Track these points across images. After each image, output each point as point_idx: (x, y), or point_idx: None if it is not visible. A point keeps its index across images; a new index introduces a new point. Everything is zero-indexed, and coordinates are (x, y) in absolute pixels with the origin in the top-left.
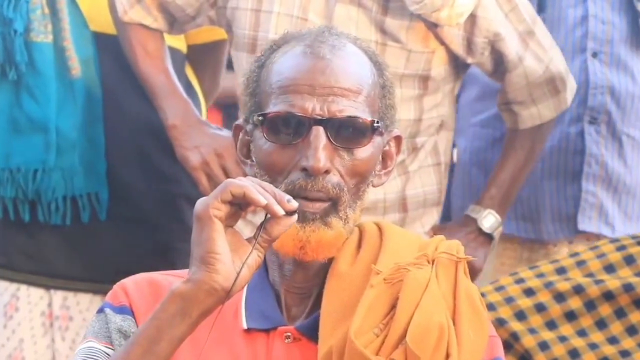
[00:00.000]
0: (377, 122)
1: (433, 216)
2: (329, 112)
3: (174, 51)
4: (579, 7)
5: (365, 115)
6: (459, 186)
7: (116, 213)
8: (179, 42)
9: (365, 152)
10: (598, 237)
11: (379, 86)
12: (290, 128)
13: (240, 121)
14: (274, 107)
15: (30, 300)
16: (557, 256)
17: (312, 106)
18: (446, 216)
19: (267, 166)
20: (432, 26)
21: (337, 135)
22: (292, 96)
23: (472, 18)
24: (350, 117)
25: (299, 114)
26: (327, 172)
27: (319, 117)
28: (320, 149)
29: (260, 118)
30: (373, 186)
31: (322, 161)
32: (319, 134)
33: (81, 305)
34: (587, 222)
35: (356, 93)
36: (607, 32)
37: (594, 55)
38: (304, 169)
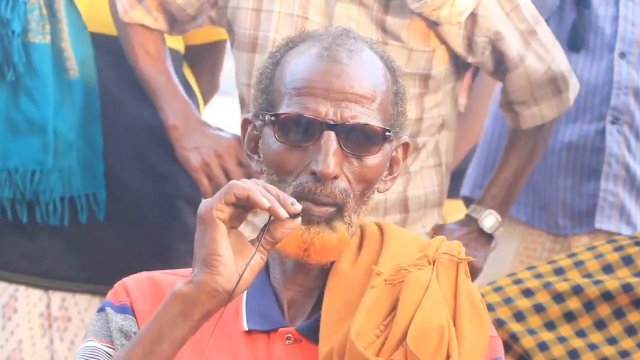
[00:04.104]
0: (389, 131)
1: (434, 217)
2: (341, 118)
3: (171, 52)
4: (610, 6)
5: (377, 123)
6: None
7: (114, 214)
8: (176, 43)
9: (374, 159)
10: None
11: (392, 93)
12: (302, 130)
13: (249, 115)
14: (287, 108)
15: (29, 301)
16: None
17: (326, 110)
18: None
19: (275, 166)
20: (433, 25)
21: (348, 141)
22: (306, 99)
23: (473, 17)
24: (362, 124)
25: (312, 118)
26: (335, 177)
27: (332, 122)
28: (330, 154)
29: (272, 118)
30: (378, 192)
31: (332, 167)
32: (330, 139)
33: (80, 306)
34: (605, 221)
35: (370, 100)
36: (636, 34)
37: (622, 55)
38: (313, 173)
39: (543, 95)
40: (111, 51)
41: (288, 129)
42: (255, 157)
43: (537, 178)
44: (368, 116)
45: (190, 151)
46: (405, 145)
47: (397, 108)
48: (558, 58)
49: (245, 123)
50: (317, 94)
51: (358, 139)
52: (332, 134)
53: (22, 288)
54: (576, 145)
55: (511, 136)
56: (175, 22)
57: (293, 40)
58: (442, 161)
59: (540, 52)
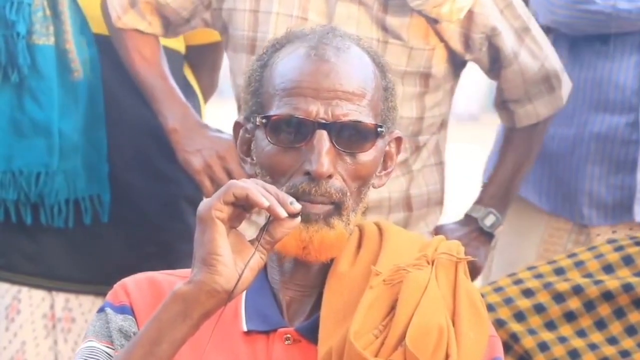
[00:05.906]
0: (381, 127)
1: (437, 215)
2: (332, 116)
3: (172, 52)
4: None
5: (368, 120)
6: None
7: (118, 215)
8: (177, 44)
9: (368, 156)
10: None
11: (381, 89)
12: (294, 131)
13: (240, 119)
14: (278, 109)
15: (32, 302)
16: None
17: (316, 110)
18: None
19: (269, 168)
20: (433, 22)
21: (341, 139)
22: (296, 99)
23: (469, 14)
24: (354, 121)
25: (303, 117)
26: (330, 176)
27: (323, 121)
28: (323, 153)
29: (263, 120)
30: (374, 187)
31: (326, 166)
32: (323, 138)
33: (83, 307)
34: None
35: (360, 97)
36: None
37: None
38: (307, 173)
39: (537, 93)
40: (114, 52)
41: (280, 131)
42: (249, 160)
43: (562, 168)
44: (359, 113)
45: (191, 154)
46: (398, 140)
47: (388, 103)
48: (551, 56)
49: (237, 126)
50: (307, 93)
51: (350, 137)
52: (324, 133)
53: (25, 289)
54: (605, 136)
55: (507, 135)
56: (170, 25)
57: (279, 42)
58: (443, 160)
59: (533, 49)
